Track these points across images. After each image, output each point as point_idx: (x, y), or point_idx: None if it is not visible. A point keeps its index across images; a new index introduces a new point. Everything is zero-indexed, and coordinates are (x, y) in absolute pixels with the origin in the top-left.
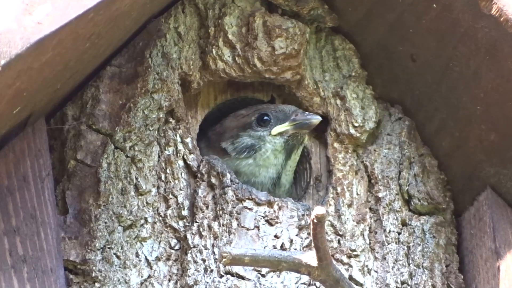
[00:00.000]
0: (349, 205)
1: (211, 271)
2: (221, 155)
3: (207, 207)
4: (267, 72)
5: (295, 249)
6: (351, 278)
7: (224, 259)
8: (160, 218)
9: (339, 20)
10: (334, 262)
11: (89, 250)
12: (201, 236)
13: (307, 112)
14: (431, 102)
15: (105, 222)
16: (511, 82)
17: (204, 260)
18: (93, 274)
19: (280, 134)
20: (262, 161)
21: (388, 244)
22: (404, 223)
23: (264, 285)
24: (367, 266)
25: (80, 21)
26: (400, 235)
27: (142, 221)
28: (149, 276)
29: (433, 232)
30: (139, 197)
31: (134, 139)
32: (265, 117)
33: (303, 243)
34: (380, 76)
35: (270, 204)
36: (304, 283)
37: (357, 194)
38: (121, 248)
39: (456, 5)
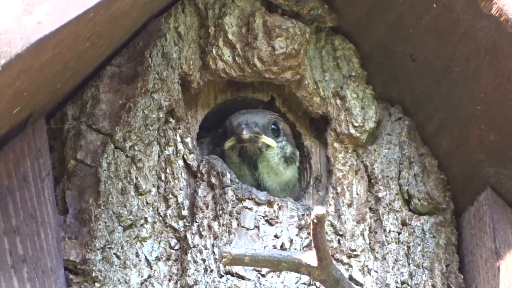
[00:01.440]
0: (349, 205)
1: (211, 271)
2: None
3: (207, 207)
4: (267, 72)
5: (295, 249)
6: (351, 278)
7: (224, 259)
8: (160, 218)
9: (339, 20)
10: (334, 262)
11: (89, 250)
12: (201, 236)
13: (247, 125)
14: (431, 102)
15: (105, 222)
16: (511, 82)
17: (204, 260)
18: (93, 274)
19: (231, 148)
20: (233, 171)
21: (388, 244)
22: (404, 223)
23: (264, 285)
24: (367, 266)
25: (80, 21)
26: (400, 235)
27: (142, 221)
28: (149, 276)
29: (433, 232)
30: (139, 197)
31: (134, 139)
32: (222, 130)
33: (303, 243)
34: (380, 76)
35: (270, 204)
36: (304, 283)
37: (357, 194)
38: (121, 248)
39: (456, 5)
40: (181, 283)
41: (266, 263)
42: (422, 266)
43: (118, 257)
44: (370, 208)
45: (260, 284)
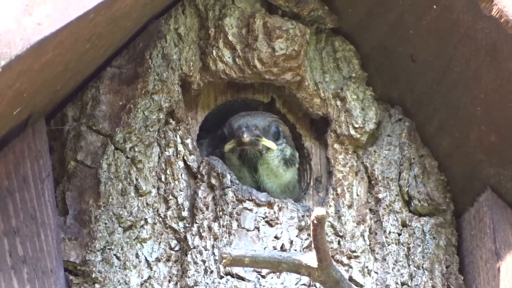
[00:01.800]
0: (349, 206)
1: (211, 272)
2: None
3: (207, 208)
4: (267, 73)
5: (295, 250)
6: (351, 279)
7: (224, 260)
8: (160, 219)
9: (339, 21)
10: (334, 263)
11: (89, 251)
12: (201, 237)
13: (247, 128)
14: (431, 102)
15: (105, 223)
16: (511, 83)
17: (204, 261)
18: (93, 275)
19: (231, 150)
20: (233, 173)
21: (388, 245)
22: (404, 224)
23: (264, 286)
24: (367, 267)
25: (80, 22)
26: (400, 236)
27: (142, 222)
28: (149, 277)
29: (433, 233)
30: (139, 198)
31: (134, 140)
32: (221, 132)
33: (303, 244)
34: (380, 77)
35: (270, 205)
36: (304, 284)
37: (357, 195)
38: (121, 249)
39: (456, 6)
40: (181, 284)
41: (266, 264)
42: (422, 267)
43: (118, 258)
44: (370, 209)
45: (260, 285)
